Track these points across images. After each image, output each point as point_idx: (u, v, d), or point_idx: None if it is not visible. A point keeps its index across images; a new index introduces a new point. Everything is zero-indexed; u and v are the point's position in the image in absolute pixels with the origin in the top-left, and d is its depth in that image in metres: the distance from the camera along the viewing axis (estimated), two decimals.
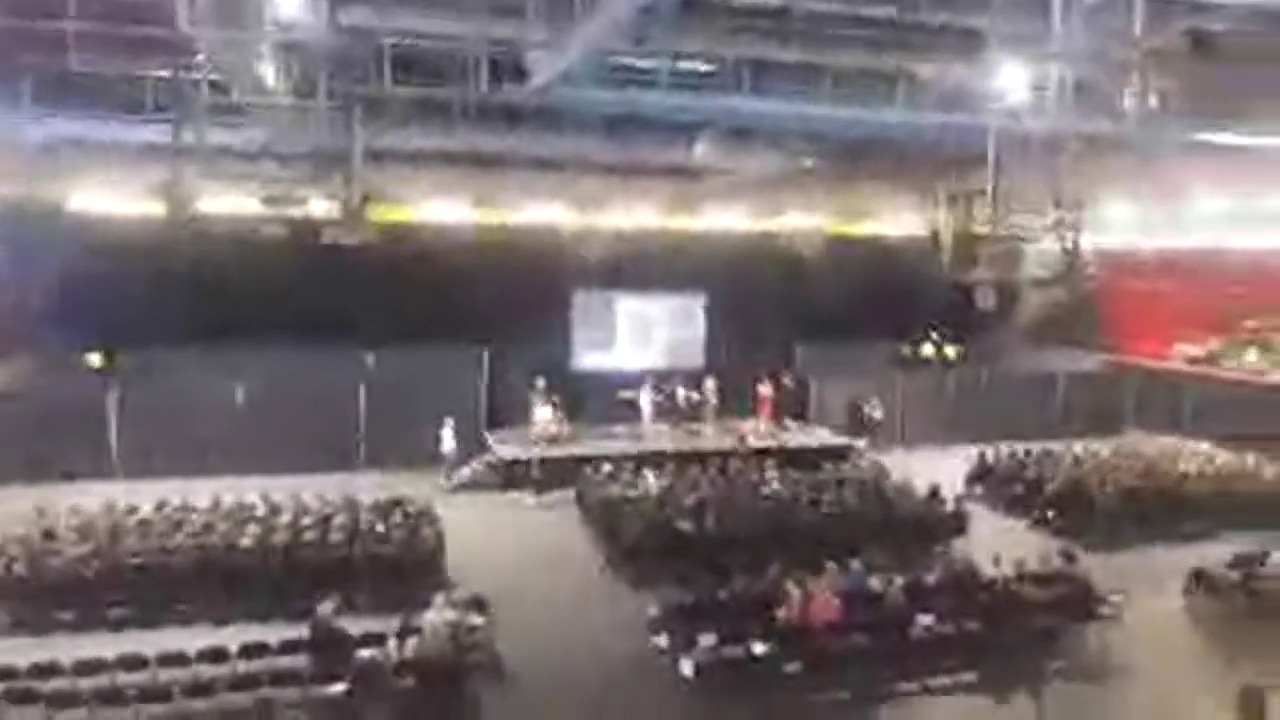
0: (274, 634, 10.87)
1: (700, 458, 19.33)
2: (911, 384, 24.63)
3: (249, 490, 15.95)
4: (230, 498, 15.49)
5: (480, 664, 11.05)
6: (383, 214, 17.30)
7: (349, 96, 14.22)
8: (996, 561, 12.98)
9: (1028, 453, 20.16)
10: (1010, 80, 13.44)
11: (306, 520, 14.48)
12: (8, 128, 15.10)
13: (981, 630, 12.03)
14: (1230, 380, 23.26)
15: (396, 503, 15.47)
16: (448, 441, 19.42)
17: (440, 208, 20.47)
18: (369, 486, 17.00)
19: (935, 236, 21.03)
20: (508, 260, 20.38)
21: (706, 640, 11.24)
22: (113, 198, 18.41)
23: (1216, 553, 14.52)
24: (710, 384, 22.68)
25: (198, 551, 13.29)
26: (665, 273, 22.64)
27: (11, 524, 14.02)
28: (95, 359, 19.59)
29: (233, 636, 11.02)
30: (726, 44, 13.84)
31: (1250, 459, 19.68)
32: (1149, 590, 13.70)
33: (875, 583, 12.40)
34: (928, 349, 25.73)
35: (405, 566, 13.57)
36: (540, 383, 21.37)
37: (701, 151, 18.34)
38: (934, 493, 16.73)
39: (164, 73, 14.17)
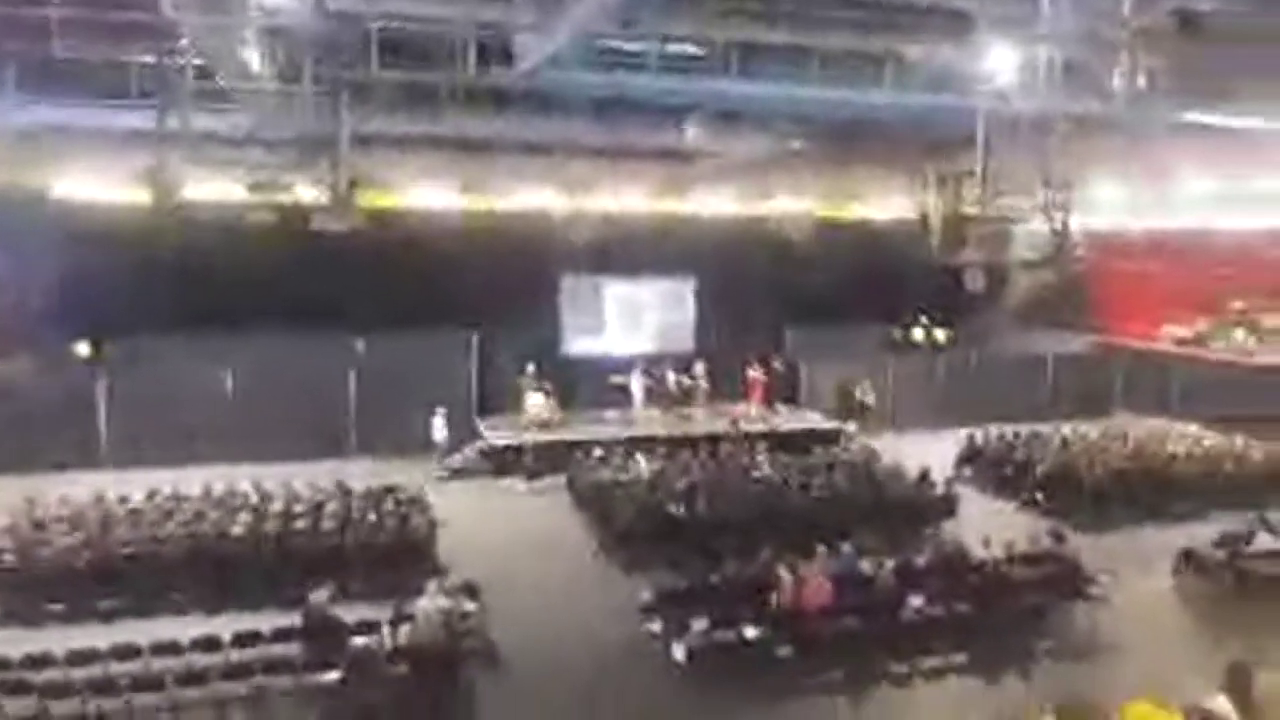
0: (267, 622, 10.83)
1: (691, 442, 19.37)
2: (901, 367, 24.67)
3: (240, 478, 15.92)
4: (221, 486, 15.48)
5: (474, 650, 11.08)
6: (370, 199, 17.24)
7: (335, 81, 14.13)
8: (986, 543, 13.02)
9: (1017, 435, 20.21)
10: (998, 61, 13.43)
11: (298, 508, 14.47)
12: None
13: (972, 611, 12.10)
14: (1218, 361, 23.38)
15: (389, 490, 15.46)
16: (439, 428, 19.39)
17: (428, 193, 20.33)
18: (360, 474, 16.95)
19: (924, 219, 21.14)
20: (496, 245, 20.28)
21: (698, 625, 11.29)
22: (97, 185, 18.21)
23: (1205, 533, 14.59)
24: (700, 368, 22.72)
25: (189, 540, 13.24)
26: (654, 257, 22.58)
27: (1, 515, 13.96)
28: (82, 348, 19.47)
29: (225, 625, 11.00)
30: (715, 26, 13.80)
31: (1238, 440, 19.78)
32: (1138, 570, 13.79)
33: (866, 566, 12.43)
34: (917, 332, 25.78)
35: (398, 554, 13.55)
36: (531, 368, 21.38)
37: (691, 135, 18.29)
38: (924, 476, 16.77)
39: (148, 58, 14.05)
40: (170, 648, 10.34)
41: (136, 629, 11.26)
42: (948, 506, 16.32)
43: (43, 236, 17.47)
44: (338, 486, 15.50)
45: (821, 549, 12.53)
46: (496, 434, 20.35)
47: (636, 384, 21.97)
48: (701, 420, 21.88)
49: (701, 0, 13.23)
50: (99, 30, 13.12)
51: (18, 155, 17.15)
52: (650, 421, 21.46)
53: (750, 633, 11.27)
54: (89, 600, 12.49)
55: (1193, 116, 15.17)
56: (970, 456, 19.85)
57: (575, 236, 21.13)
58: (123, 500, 14.66)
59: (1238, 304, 24.40)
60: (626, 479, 16.85)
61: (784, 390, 23.66)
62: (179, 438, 18.61)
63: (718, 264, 22.86)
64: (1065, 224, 16.26)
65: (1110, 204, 21.77)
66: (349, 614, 11.06)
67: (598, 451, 18.44)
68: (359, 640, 10.66)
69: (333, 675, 10.10)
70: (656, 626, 11.79)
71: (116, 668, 9.99)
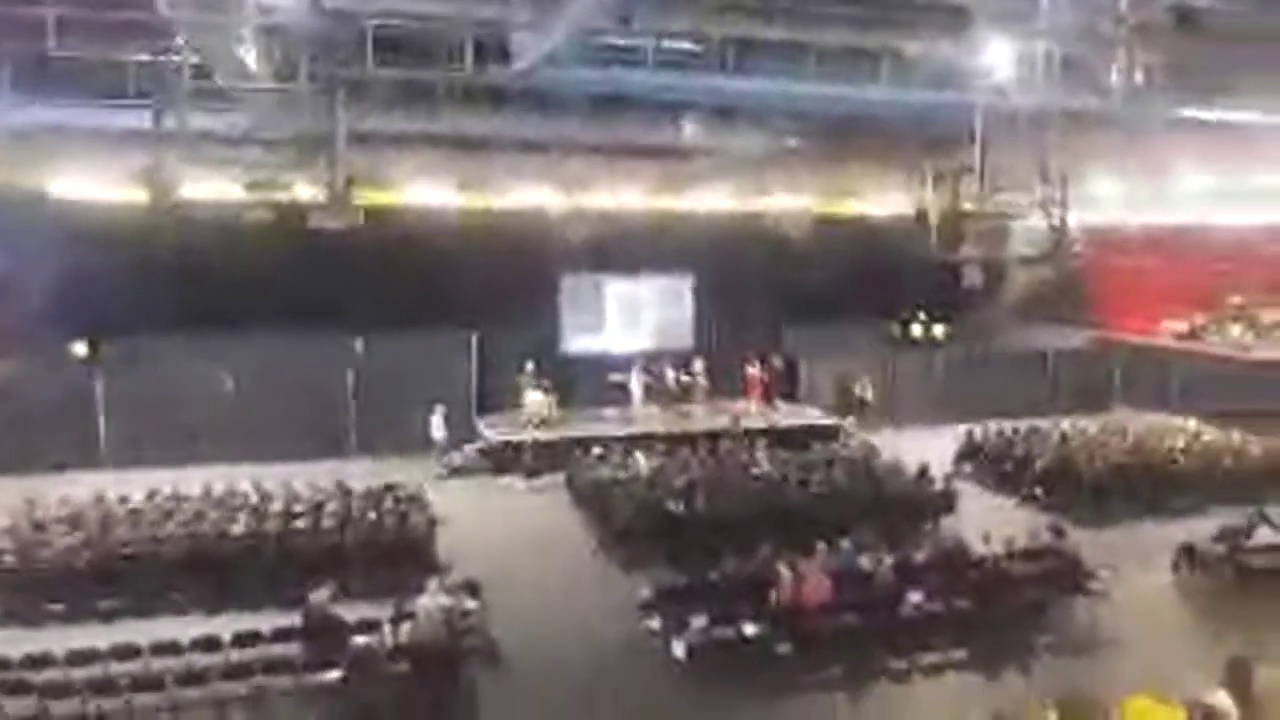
0: (267, 622, 10.81)
1: (690, 439, 19.38)
2: (900, 363, 24.68)
3: (240, 478, 15.92)
4: (221, 486, 15.48)
5: (474, 648, 11.08)
6: (368, 198, 17.20)
7: (332, 79, 14.08)
8: (986, 539, 13.01)
9: (1016, 430, 20.23)
10: (996, 57, 13.42)
11: (298, 508, 14.46)
12: None
13: (971, 607, 12.11)
14: (1215, 356, 23.40)
15: (388, 489, 15.46)
16: (438, 427, 19.39)
17: (425, 191, 20.33)
18: (360, 473, 16.95)
19: (922, 215, 21.17)
20: (494, 243, 20.28)
21: (698, 622, 11.30)
22: (95, 184, 18.19)
23: (1204, 528, 14.57)
24: (699, 365, 22.72)
25: (189, 540, 13.24)
26: (653, 254, 22.59)
27: (1, 515, 13.96)
28: (80, 348, 19.44)
29: (225, 625, 10.99)
30: (711, 23, 13.75)
31: (1237, 435, 19.79)
32: (1137, 565, 13.81)
33: (865, 562, 12.41)
34: (916, 328, 25.76)
35: (398, 552, 13.54)
36: (529, 366, 21.37)
37: (688, 132, 18.28)
38: (923, 471, 16.78)
39: (145, 57, 13.99)
40: (170, 648, 10.32)
41: (136, 629, 11.25)
42: (947, 502, 16.30)
43: (40, 236, 17.42)
44: (338, 486, 15.49)
45: (821, 545, 12.50)
46: (495, 432, 20.35)
47: (635, 381, 21.97)
48: (700, 417, 21.88)
49: None
50: (95, 29, 13.10)
51: (14, 155, 17.10)
52: (649, 419, 21.46)
53: (750, 629, 11.27)
54: (89, 600, 12.49)
55: (1190, 112, 15.18)
56: (969, 452, 19.84)
57: (573, 234, 21.12)
58: (123, 500, 14.66)
59: (1235, 299, 24.43)
60: (626, 476, 16.85)
61: (782, 387, 23.66)
62: (179, 438, 18.61)
63: (716, 261, 22.86)
64: (1063, 220, 16.27)
65: (1108, 199, 21.79)
66: (349, 613, 11.03)
67: (597, 449, 18.43)
68: (360, 639, 10.63)
69: (333, 674, 10.09)
70: (656, 624, 11.79)
71: (116, 668, 9.98)
